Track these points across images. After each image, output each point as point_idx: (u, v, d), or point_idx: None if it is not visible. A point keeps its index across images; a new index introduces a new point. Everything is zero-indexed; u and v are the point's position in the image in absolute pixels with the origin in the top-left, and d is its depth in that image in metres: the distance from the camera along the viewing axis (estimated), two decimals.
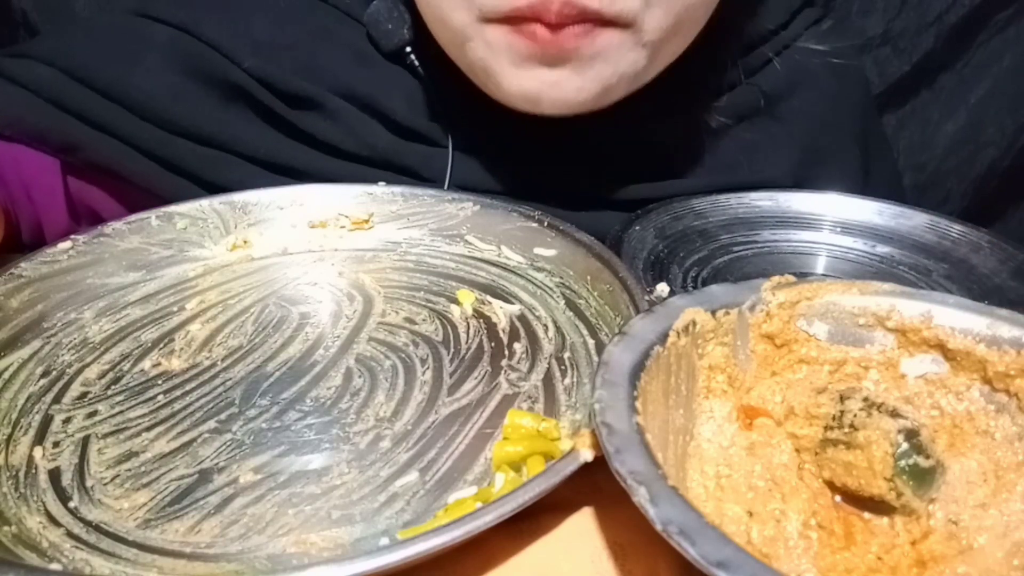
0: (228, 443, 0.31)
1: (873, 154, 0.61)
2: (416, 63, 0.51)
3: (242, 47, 0.50)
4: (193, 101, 0.50)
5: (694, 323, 0.29)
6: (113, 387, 0.34)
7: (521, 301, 0.40)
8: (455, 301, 0.40)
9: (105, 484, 0.29)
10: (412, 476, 0.29)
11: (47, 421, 0.32)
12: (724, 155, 0.53)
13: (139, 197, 0.50)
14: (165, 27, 0.51)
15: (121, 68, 0.49)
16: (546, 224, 0.42)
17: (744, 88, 0.53)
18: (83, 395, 0.33)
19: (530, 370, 0.35)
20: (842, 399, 0.28)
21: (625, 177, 0.52)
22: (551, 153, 0.51)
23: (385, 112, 0.51)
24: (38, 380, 0.34)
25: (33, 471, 0.29)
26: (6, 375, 0.34)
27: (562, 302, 0.40)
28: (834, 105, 0.58)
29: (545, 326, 0.38)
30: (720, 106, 0.52)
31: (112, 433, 0.31)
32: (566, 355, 0.36)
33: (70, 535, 0.27)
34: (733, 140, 0.53)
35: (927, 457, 0.26)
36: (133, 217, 0.42)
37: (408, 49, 0.51)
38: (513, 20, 0.40)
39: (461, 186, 0.49)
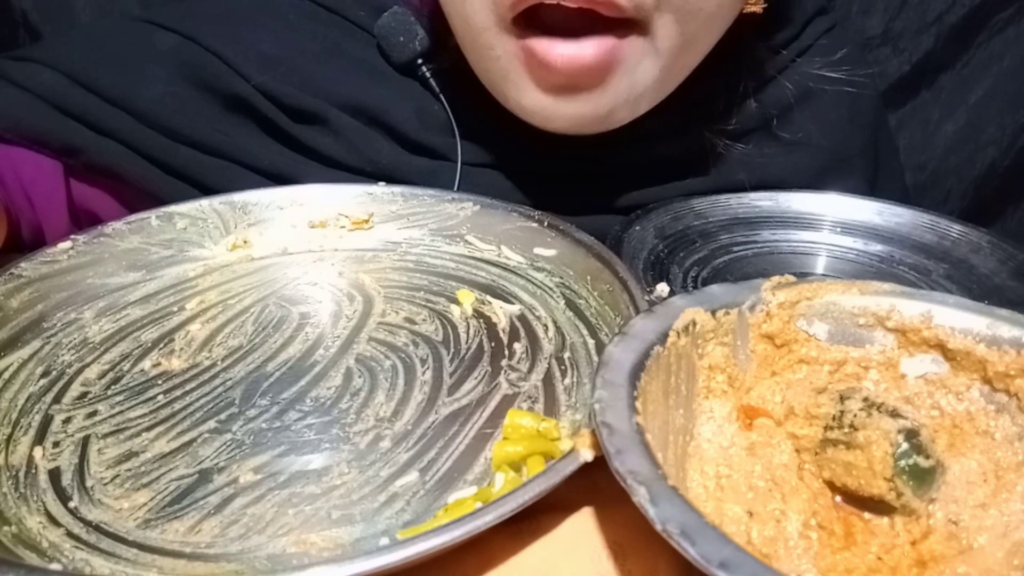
0: (228, 443, 0.31)
1: (881, 171, 0.60)
2: (428, 75, 0.51)
3: (248, 60, 0.50)
4: (196, 110, 0.50)
5: (694, 323, 0.29)
6: (113, 387, 0.34)
7: (521, 301, 0.40)
8: (455, 301, 0.40)
9: (105, 484, 0.29)
10: (412, 476, 0.29)
11: (47, 421, 0.32)
12: (730, 174, 0.53)
13: (140, 200, 0.50)
14: (170, 34, 0.51)
15: (124, 75, 0.49)
16: (546, 224, 0.42)
17: (753, 108, 0.53)
18: (83, 395, 0.33)
19: (530, 370, 0.35)
20: (842, 399, 0.28)
21: (631, 192, 0.52)
22: (559, 168, 0.51)
23: (394, 126, 0.50)
24: (38, 380, 0.34)
25: (33, 471, 0.29)
26: (6, 375, 0.34)
27: (562, 302, 0.40)
28: (845, 130, 0.56)
29: (545, 326, 0.38)
30: (728, 128, 0.52)
31: (112, 433, 0.31)
32: (566, 355, 0.36)
33: (70, 535, 0.27)
34: (740, 160, 0.53)
35: (927, 457, 0.26)
36: (133, 217, 0.42)
37: (420, 61, 0.51)
38: (528, 23, 0.39)
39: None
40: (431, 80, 0.51)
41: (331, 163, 0.50)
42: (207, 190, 0.49)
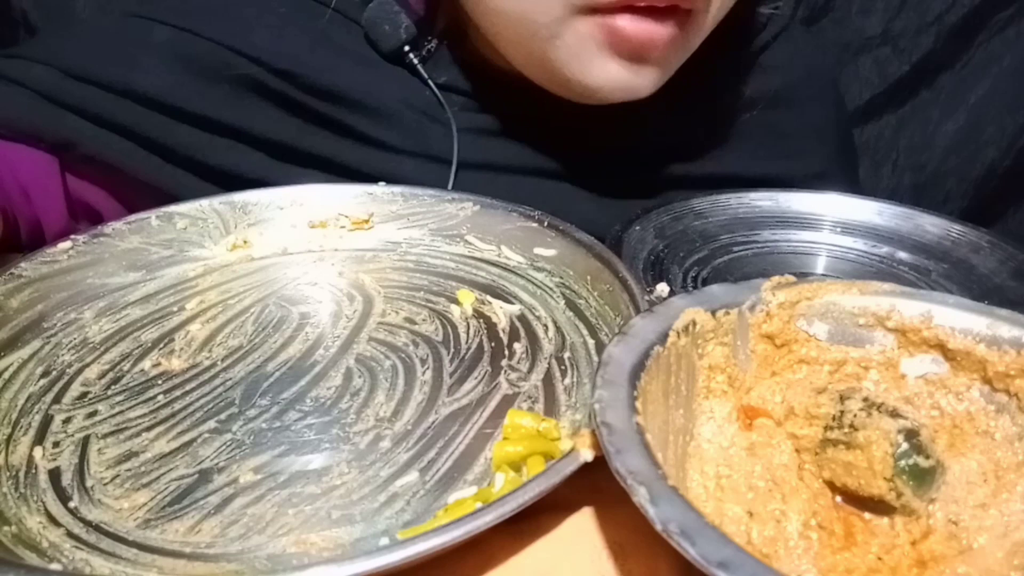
0: (228, 443, 0.31)
1: (844, 151, 0.64)
2: (416, 63, 0.52)
3: (242, 48, 0.50)
4: (199, 94, 0.50)
5: (694, 323, 0.29)
6: (113, 387, 0.34)
7: (521, 301, 0.40)
8: (455, 301, 0.40)
9: (105, 484, 0.29)
10: (412, 476, 0.29)
11: (47, 421, 0.32)
12: (743, 141, 0.55)
13: (138, 195, 0.50)
14: (165, 27, 0.51)
15: (120, 65, 0.49)
16: (546, 224, 0.42)
17: (757, 71, 0.55)
18: (83, 395, 0.33)
19: (530, 370, 0.35)
20: (842, 399, 0.28)
21: (644, 167, 0.53)
22: (553, 155, 0.51)
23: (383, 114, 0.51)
24: (38, 380, 0.34)
25: (33, 471, 0.29)
26: (6, 375, 0.34)
27: (562, 302, 0.40)
28: (833, 87, 0.61)
29: (545, 326, 0.38)
30: (738, 89, 0.55)
31: (112, 433, 0.31)
32: (566, 355, 0.36)
33: (70, 535, 0.27)
34: (751, 128, 0.55)
35: (927, 457, 0.26)
36: (133, 217, 0.42)
37: (407, 49, 0.52)
38: (603, 9, 0.42)
39: (463, 188, 0.49)
40: (419, 67, 0.52)
41: (347, 133, 0.51)
42: (208, 171, 0.49)
